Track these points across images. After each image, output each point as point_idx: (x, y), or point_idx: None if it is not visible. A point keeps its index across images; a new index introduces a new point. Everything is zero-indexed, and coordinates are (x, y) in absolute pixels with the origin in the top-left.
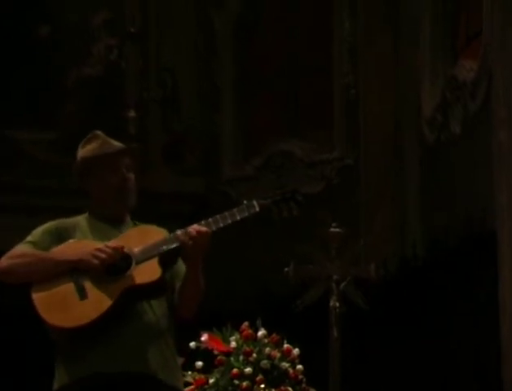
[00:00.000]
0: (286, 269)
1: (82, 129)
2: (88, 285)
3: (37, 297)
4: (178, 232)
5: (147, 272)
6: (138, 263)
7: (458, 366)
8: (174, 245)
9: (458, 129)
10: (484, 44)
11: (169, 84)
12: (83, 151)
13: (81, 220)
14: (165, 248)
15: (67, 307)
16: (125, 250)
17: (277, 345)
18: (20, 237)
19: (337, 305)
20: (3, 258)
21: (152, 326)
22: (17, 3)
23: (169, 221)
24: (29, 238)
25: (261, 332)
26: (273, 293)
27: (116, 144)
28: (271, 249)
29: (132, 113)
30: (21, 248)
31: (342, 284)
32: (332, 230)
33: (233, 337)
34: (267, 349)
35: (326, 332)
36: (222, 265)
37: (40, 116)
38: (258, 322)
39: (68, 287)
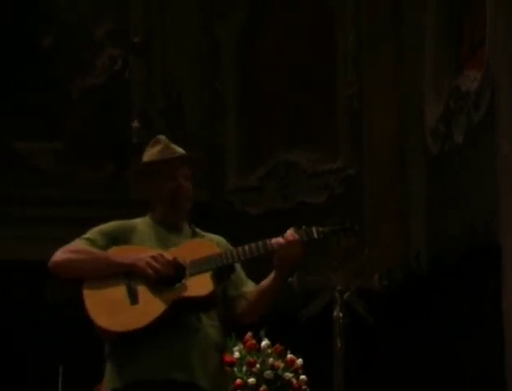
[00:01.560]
0: (290, 279)
1: (87, 140)
2: (140, 291)
3: (88, 295)
4: (273, 240)
5: (199, 285)
6: (191, 275)
7: (463, 376)
8: (229, 262)
9: (462, 139)
10: (488, 54)
11: (173, 94)
12: (145, 156)
13: (140, 223)
14: (219, 263)
15: (116, 310)
16: (180, 260)
17: (281, 356)
18: (27, 247)
19: (341, 315)
20: (59, 251)
21: (200, 336)
22: (21, 14)
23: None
24: (87, 235)
25: (264, 343)
26: (276, 303)
27: (178, 150)
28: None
29: (136, 123)
30: (78, 244)
31: (346, 295)
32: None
33: (236, 347)
34: (271, 360)
35: (330, 342)
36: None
37: (45, 127)
38: (262, 332)
39: (120, 290)
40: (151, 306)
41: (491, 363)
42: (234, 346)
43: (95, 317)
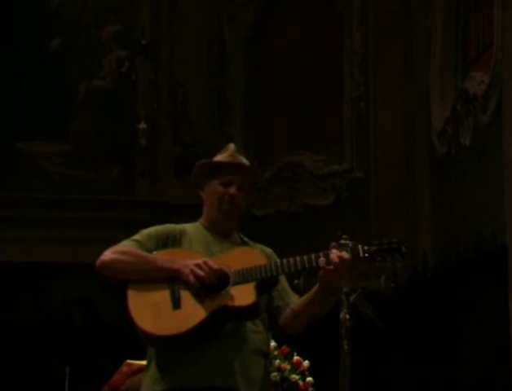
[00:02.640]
0: (296, 281)
1: (93, 142)
2: (184, 296)
3: (132, 297)
4: (320, 256)
5: (241, 296)
6: (234, 284)
7: (469, 377)
8: (273, 274)
9: (469, 141)
10: (495, 57)
11: (180, 96)
12: (216, 157)
13: (191, 228)
14: (263, 274)
15: (158, 314)
16: (224, 269)
17: (287, 357)
18: (33, 249)
19: (348, 317)
20: (107, 251)
21: (242, 343)
22: (29, 17)
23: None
24: (137, 236)
25: (271, 344)
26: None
27: (241, 159)
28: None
29: (143, 125)
30: (126, 245)
31: (352, 297)
32: (342, 242)
33: None
34: (277, 362)
35: (336, 344)
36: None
37: (52, 129)
38: (269, 334)
39: (164, 295)
40: (192, 313)
41: (497, 364)
42: None
43: (138, 319)
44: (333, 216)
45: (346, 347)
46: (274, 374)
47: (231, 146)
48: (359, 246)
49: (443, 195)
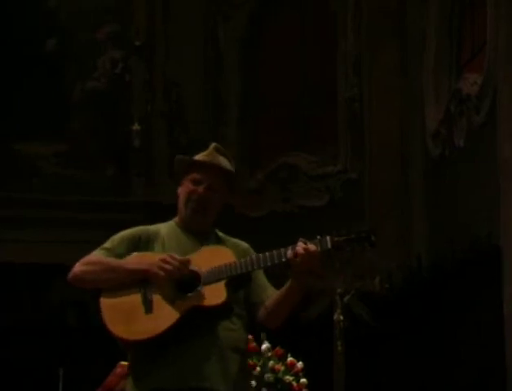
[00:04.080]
0: None
1: (88, 142)
2: (155, 299)
3: (105, 305)
4: (288, 250)
5: (213, 295)
6: (205, 284)
7: (464, 377)
8: (243, 271)
9: (462, 142)
10: (489, 58)
11: (175, 97)
12: (181, 156)
13: (165, 228)
14: (234, 272)
15: (131, 319)
16: (195, 268)
17: (281, 359)
18: (31, 249)
19: (342, 318)
20: (78, 264)
21: (218, 341)
22: (25, 18)
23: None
24: (106, 244)
25: (265, 346)
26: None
27: (218, 159)
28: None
29: (136, 126)
30: (96, 255)
31: (346, 298)
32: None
33: None
34: (271, 363)
35: (330, 345)
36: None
37: (49, 129)
38: (263, 335)
39: (135, 299)
40: (165, 315)
41: (492, 364)
42: None
43: (111, 326)
44: (328, 217)
45: (340, 348)
46: (268, 375)
47: (213, 145)
48: (328, 237)
49: (437, 196)
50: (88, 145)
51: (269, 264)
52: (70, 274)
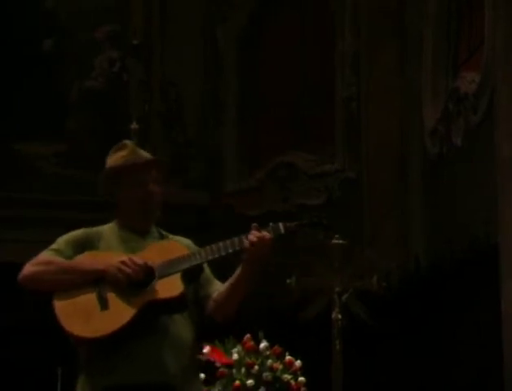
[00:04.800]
0: (288, 281)
1: (87, 142)
2: (110, 296)
3: (59, 306)
4: (243, 238)
5: (168, 287)
6: (160, 277)
7: (462, 377)
8: (198, 262)
9: (460, 141)
10: (486, 56)
11: (173, 96)
12: (112, 160)
13: (107, 229)
14: (188, 264)
15: (87, 317)
16: (149, 263)
17: (279, 357)
18: (31, 250)
19: (340, 317)
20: (28, 264)
21: (173, 339)
22: (22, 17)
23: (173, 232)
24: (54, 245)
25: (263, 344)
26: (275, 305)
27: (145, 155)
28: (273, 261)
29: (134, 125)
30: (46, 256)
31: (344, 296)
32: (334, 242)
33: (235, 349)
34: (269, 361)
35: (328, 344)
36: (225, 278)
37: (47, 130)
38: (261, 334)
39: (91, 298)
40: (121, 311)
41: (490, 364)
42: (233, 348)
43: (67, 325)
44: (326, 216)
45: (338, 346)
46: (266, 374)
47: (128, 142)
48: (280, 224)
49: (435, 195)
50: (87, 145)
51: (224, 253)
52: (20, 275)
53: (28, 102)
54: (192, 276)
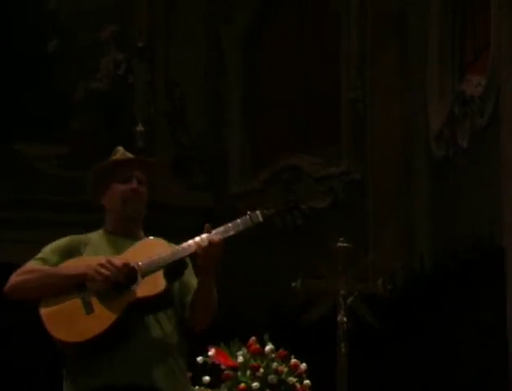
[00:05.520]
0: (294, 283)
1: (91, 144)
2: (94, 300)
3: (45, 312)
4: (190, 242)
5: (151, 285)
6: (143, 276)
7: (467, 379)
8: (178, 257)
9: (466, 144)
10: (492, 59)
11: (178, 98)
12: (97, 164)
13: (94, 236)
14: (169, 260)
15: (73, 322)
16: (130, 264)
17: (284, 360)
18: (31, 251)
19: (345, 320)
20: (13, 275)
21: (160, 340)
22: (27, 19)
23: (177, 234)
24: (39, 254)
25: (268, 347)
26: (280, 308)
27: (131, 156)
28: (279, 264)
29: (140, 127)
30: (30, 265)
31: (350, 299)
32: (339, 244)
33: (240, 352)
34: (275, 364)
35: (334, 347)
36: (229, 280)
37: (49, 131)
38: (266, 336)
39: (75, 302)
40: (106, 313)
41: (494, 366)
42: (238, 351)
43: (53, 331)
44: (331, 218)
45: (343, 349)
46: (271, 376)
47: (120, 148)
48: (258, 211)
49: (440, 198)
50: (90, 146)
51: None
52: (7, 286)
53: (31, 103)
54: (175, 272)
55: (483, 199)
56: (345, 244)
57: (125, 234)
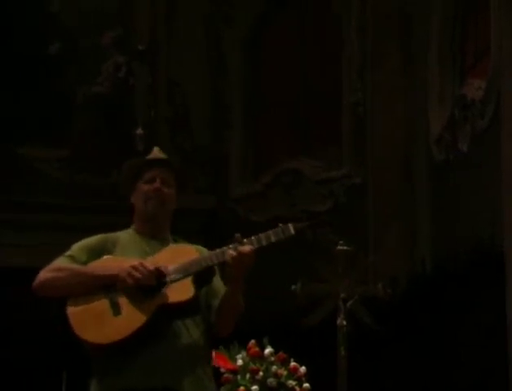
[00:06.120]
0: (294, 286)
1: (92, 147)
2: (122, 302)
3: (72, 312)
4: (220, 250)
5: (180, 291)
6: (172, 282)
7: (468, 380)
8: (207, 265)
9: (466, 147)
10: (493, 63)
11: (179, 101)
12: (126, 163)
13: (124, 234)
14: (198, 267)
15: (100, 323)
16: (160, 268)
17: (284, 363)
18: (33, 254)
19: (345, 323)
20: (42, 272)
21: (186, 344)
22: (28, 22)
23: (179, 237)
24: (69, 252)
25: (268, 350)
26: (280, 311)
27: (163, 156)
28: (279, 266)
29: (140, 130)
30: (59, 262)
31: (350, 302)
32: (339, 247)
33: (240, 355)
34: (274, 367)
35: (333, 350)
36: None
37: (50, 134)
38: (265, 340)
39: (103, 303)
40: (133, 316)
41: (495, 367)
42: (237, 354)
43: (80, 332)
44: (331, 221)
45: (343, 352)
46: (271, 380)
47: (155, 149)
48: (290, 225)
49: (441, 201)
50: (91, 149)
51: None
52: (35, 282)
53: (33, 106)
54: (203, 279)
55: (483, 201)
56: (345, 247)
57: (151, 234)
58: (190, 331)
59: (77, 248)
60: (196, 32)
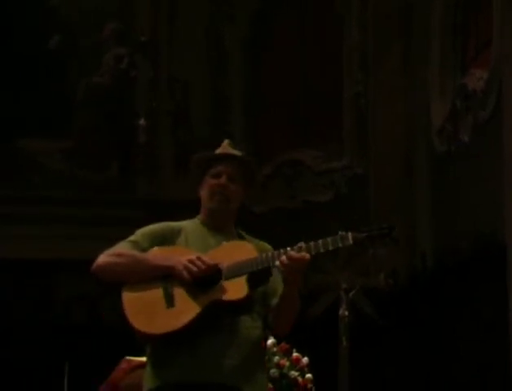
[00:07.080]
0: None
1: (93, 139)
2: (176, 293)
3: (127, 299)
4: (277, 252)
5: (234, 289)
6: (227, 278)
7: (469, 374)
8: (261, 267)
9: (468, 138)
10: (495, 53)
11: (180, 94)
12: (195, 157)
13: (189, 224)
14: (251, 268)
15: (153, 313)
16: (217, 263)
17: (286, 354)
18: (36, 246)
19: (346, 313)
20: (102, 255)
21: (238, 337)
22: (29, 15)
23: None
24: (132, 237)
25: (270, 341)
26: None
27: (232, 151)
28: None
29: (142, 122)
30: (121, 247)
31: (351, 293)
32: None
33: None
34: (276, 358)
35: (335, 341)
36: None
37: (53, 126)
38: (267, 331)
39: (157, 293)
40: (186, 309)
41: (495, 361)
42: None
43: (133, 319)
44: (333, 212)
45: (344, 343)
46: (273, 370)
47: (225, 141)
48: (350, 234)
49: (442, 192)
50: (92, 142)
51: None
52: (94, 265)
53: (34, 99)
54: (258, 280)
55: (484, 193)
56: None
57: (215, 227)
58: (244, 326)
59: (140, 234)
60: (196, 30)
